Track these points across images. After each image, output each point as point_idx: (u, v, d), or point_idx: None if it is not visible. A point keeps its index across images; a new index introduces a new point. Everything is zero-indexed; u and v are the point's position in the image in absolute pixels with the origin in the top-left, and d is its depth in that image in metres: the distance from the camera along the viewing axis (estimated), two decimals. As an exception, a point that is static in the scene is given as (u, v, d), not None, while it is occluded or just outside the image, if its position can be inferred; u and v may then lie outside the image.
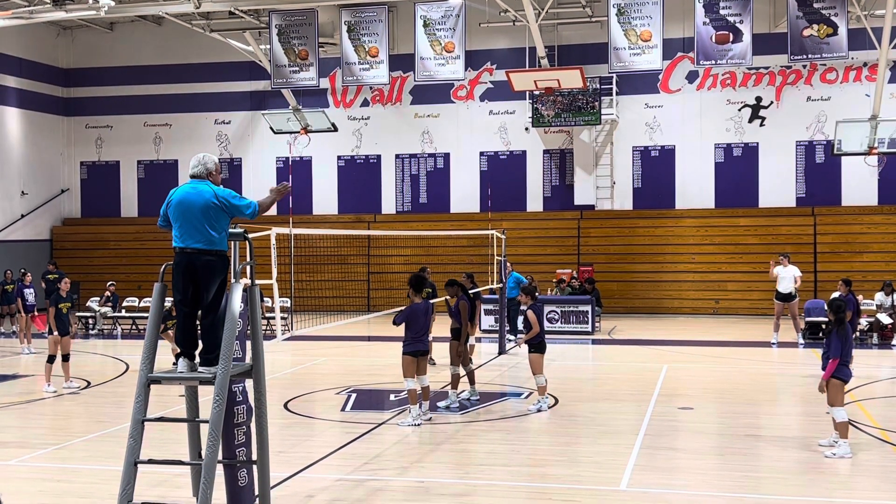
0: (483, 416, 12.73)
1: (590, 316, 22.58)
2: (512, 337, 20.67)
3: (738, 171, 27.74)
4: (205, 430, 6.76)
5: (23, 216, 30.53)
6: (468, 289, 14.02)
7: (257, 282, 7.36)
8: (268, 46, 25.40)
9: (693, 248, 27.71)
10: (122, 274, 29.39)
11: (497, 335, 19.90)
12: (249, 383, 7.46)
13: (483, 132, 29.31)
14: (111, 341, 22.76)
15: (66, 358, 15.14)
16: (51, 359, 14.97)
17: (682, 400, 13.84)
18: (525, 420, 12.60)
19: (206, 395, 6.96)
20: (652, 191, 28.27)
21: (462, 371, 13.57)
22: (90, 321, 24.78)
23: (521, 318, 20.42)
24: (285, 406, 13.42)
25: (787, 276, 20.48)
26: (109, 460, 10.05)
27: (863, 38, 23.65)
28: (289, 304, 19.28)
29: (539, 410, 12.87)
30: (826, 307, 10.61)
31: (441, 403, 13.15)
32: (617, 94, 27.83)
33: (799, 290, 20.85)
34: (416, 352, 12.13)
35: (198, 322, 7.30)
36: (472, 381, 13.75)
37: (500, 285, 19.90)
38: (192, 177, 7.30)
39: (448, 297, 13.72)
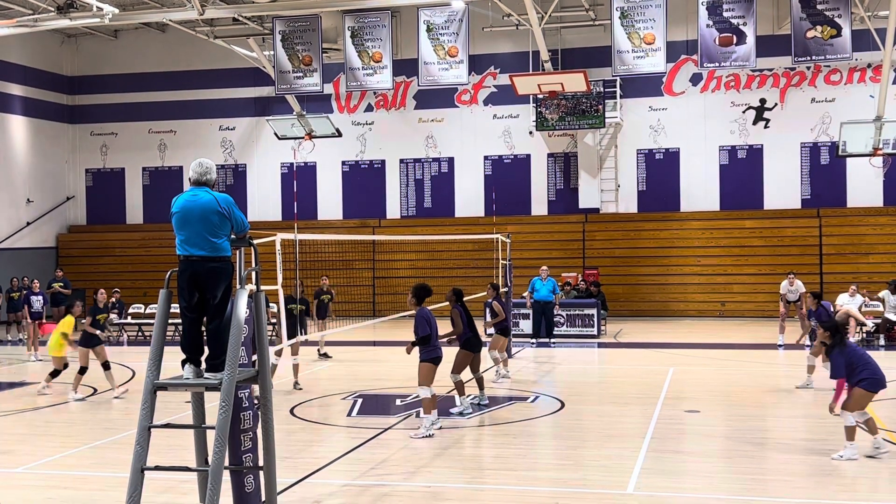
0: (489, 421, 12.71)
1: (595, 319, 22.57)
2: (546, 339, 21.06)
3: (742, 173, 27.71)
4: (211, 436, 6.76)
5: (28, 224, 30.60)
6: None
7: (262, 287, 7.36)
8: (271, 52, 25.44)
9: (698, 251, 27.68)
10: (127, 281, 29.44)
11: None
12: (255, 389, 7.46)
13: (487, 136, 29.33)
14: (117, 348, 22.77)
15: (106, 366, 15.02)
16: (82, 370, 14.81)
17: (689, 403, 13.81)
18: (531, 424, 12.59)
19: (213, 401, 6.96)
20: (656, 193, 28.26)
21: (468, 376, 13.51)
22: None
23: (542, 320, 20.99)
24: (291, 411, 13.42)
25: (794, 292, 20.65)
26: (116, 467, 10.06)
27: (867, 39, 23.62)
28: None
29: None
30: (821, 329, 10.51)
31: (454, 410, 13.10)
32: (621, 97, 27.83)
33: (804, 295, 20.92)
34: (437, 359, 11.77)
35: (203, 328, 7.31)
36: (480, 387, 13.67)
37: (506, 289, 19.87)
38: (195, 183, 7.28)
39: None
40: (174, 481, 9.28)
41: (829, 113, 27.05)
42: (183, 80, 31.21)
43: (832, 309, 21.13)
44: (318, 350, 19.49)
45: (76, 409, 14.20)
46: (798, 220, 27.17)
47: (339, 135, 28.37)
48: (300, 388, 15.35)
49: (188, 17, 23.76)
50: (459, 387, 13.24)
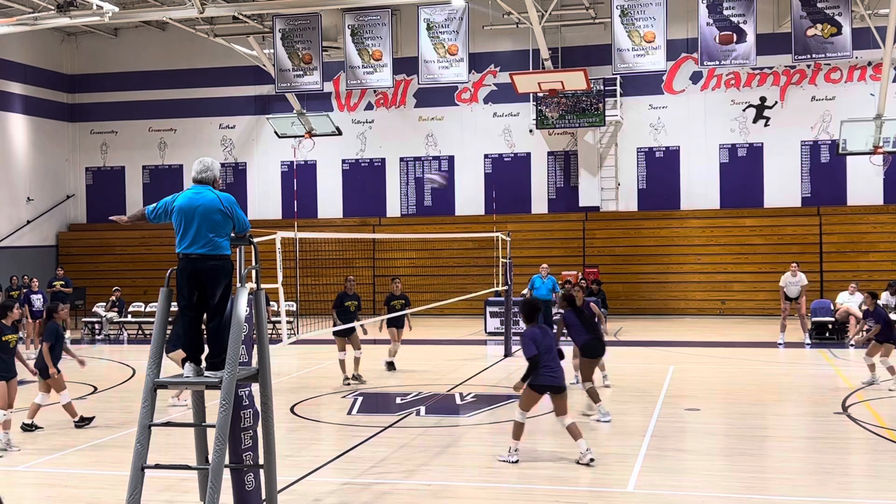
0: (489, 419, 12.72)
1: (595, 317, 22.53)
2: None
3: (742, 171, 27.71)
4: (211, 434, 6.76)
5: (29, 222, 30.59)
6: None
7: (263, 286, 7.37)
8: (272, 51, 25.44)
9: (698, 249, 27.68)
10: (127, 279, 29.45)
11: (503, 337, 19.86)
12: (256, 387, 7.47)
13: (487, 134, 29.32)
14: (117, 346, 22.78)
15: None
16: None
17: (689, 401, 13.82)
18: (531, 422, 12.55)
19: (213, 399, 6.96)
20: (657, 192, 28.25)
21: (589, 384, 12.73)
22: (96, 326, 24.82)
23: (541, 318, 20.72)
24: (292, 410, 13.43)
25: (796, 284, 20.51)
26: (116, 465, 10.06)
27: (867, 37, 23.60)
28: (294, 308, 19.26)
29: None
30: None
31: (592, 417, 12.41)
32: (621, 95, 27.82)
33: (805, 290, 20.84)
34: (540, 388, 10.19)
35: (203, 327, 7.31)
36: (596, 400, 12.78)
37: (505, 287, 19.88)
38: (197, 181, 7.29)
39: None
40: (174, 479, 9.28)
41: (830, 111, 27.04)
42: (183, 78, 31.20)
43: (832, 307, 21.18)
44: (388, 357, 17.88)
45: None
46: (798, 219, 27.16)
47: (340, 133, 28.37)
48: (364, 381, 15.68)
49: (188, 16, 23.73)
50: (593, 394, 12.54)
